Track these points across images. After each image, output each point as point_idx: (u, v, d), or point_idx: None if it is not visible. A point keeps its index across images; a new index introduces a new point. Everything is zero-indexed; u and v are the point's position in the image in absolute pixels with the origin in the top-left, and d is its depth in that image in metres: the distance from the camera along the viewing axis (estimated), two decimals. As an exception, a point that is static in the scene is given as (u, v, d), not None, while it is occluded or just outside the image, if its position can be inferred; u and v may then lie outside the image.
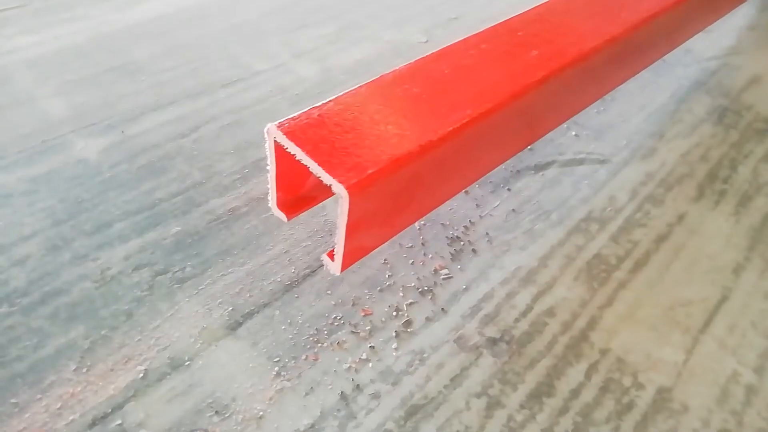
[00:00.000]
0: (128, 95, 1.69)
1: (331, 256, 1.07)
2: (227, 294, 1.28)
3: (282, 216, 1.15)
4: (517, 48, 1.30)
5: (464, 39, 1.31)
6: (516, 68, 1.24)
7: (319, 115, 1.01)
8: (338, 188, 0.90)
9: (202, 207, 1.43)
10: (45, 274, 1.25)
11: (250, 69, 1.86)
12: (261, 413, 1.10)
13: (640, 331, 1.32)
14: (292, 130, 0.97)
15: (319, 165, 0.93)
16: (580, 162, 1.73)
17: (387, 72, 1.16)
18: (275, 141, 0.99)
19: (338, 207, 0.94)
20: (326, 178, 0.92)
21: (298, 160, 1.03)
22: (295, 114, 1.00)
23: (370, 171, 0.94)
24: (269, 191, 1.11)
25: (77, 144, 1.54)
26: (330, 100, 1.05)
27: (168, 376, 1.13)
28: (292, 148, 0.96)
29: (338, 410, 1.12)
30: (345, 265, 1.08)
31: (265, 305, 1.27)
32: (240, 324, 1.23)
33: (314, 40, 2.02)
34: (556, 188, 1.63)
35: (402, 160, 0.98)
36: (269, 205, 1.14)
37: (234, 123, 1.66)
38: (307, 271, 1.34)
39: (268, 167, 1.06)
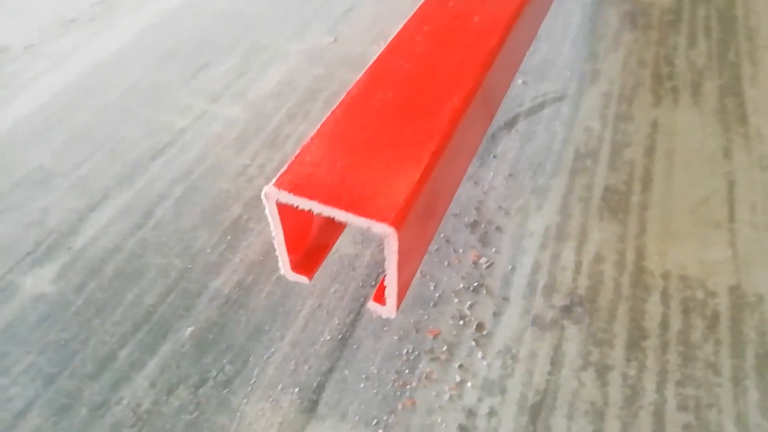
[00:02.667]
0: (52, 207, 1.44)
1: (379, 299, 0.96)
2: (284, 376, 1.12)
3: (302, 279, 1.02)
4: (458, 19, 1.24)
5: (402, 27, 1.23)
6: (470, 40, 1.18)
7: (311, 159, 0.90)
8: (381, 229, 0.81)
9: (204, 295, 1.25)
10: (67, 444, 1.03)
11: (172, 129, 1.65)
12: (392, 486, 0.97)
13: (683, 243, 1.32)
14: (297, 185, 0.86)
15: (348, 212, 0.83)
16: (541, 106, 1.71)
17: (345, 87, 1.08)
18: (278, 203, 0.87)
19: (385, 248, 0.84)
20: (361, 223, 0.82)
21: (303, 215, 0.92)
22: (282, 168, 0.89)
23: (402, 199, 0.84)
24: (280, 258, 0.98)
25: (23, 282, 1.28)
26: (311, 138, 0.94)
27: (273, 494, 0.97)
28: (306, 203, 0.84)
29: (465, 445, 1.02)
30: (398, 305, 0.98)
31: (331, 370, 1.13)
32: (316, 402, 1.08)
33: (221, 77, 1.84)
34: (535, 139, 1.60)
35: (424, 175, 0.89)
36: (282, 272, 1.00)
37: (187, 192, 1.47)
38: (352, 316, 1.21)
39: (273, 233, 0.93)
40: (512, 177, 1.50)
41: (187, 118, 1.69)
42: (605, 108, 1.69)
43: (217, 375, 1.12)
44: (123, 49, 1.97)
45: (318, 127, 0.96)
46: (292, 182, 0.87)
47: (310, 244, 1.06)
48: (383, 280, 0.97)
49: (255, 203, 1.44)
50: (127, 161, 1.55)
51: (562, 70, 1.83)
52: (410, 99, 1.03)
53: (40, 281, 1.28)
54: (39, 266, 1.31)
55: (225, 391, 1.09)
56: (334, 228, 1.10)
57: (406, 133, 0.96)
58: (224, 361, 1.14)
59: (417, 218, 0.92)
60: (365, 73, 1.10)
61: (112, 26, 2.10)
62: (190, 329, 1.19)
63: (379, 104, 1.02)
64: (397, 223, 0.81)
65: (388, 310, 0.96)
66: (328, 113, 1.00)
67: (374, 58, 1.13)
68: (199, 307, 1.23)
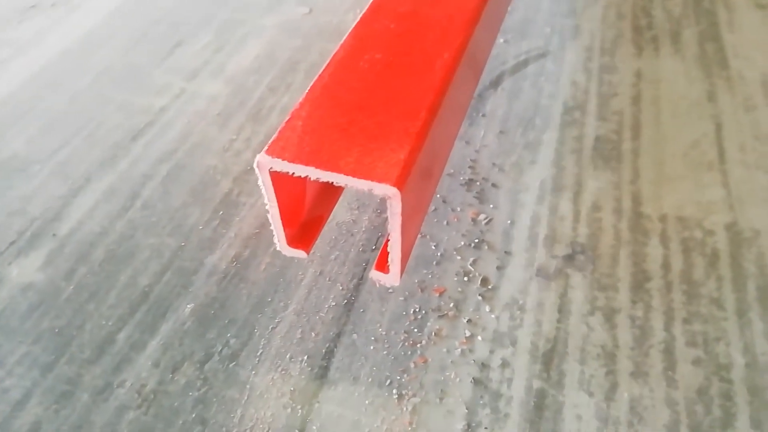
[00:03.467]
0: (32, 194, 1.38)
1: (381, 268, 0.93)
2: (291, 345, 1.09)
3: (299, 253, 0.97)
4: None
5: None
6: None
7: (303, 124, 0.86)
8: (383, 190, 0.78)
9: (200, 272, 1.21)
10: (74, 430, 0.99)
11: (151, 109, 1.60)
12: (412, 443, 0.96)
13: (677, 186, 1.33)
14: (291, 151, 0.82)
15: (348, 175, 0.79)
16: (525, 63, 1.69)
17: (333, 48, 1.03)
18: (272, 171, 0.83)
19: (389, 209, 0.81)
20: (362, 186, 0.79)
21: (296, 186, 0.88)
22: (273, 135, 0.85)
23: (402, 158, 0.81)
24: (275, 232, 0.94)
25: (9, 272, 1.23)
26: (301, 103, 0.90)
27: (292, 461, 0.95)
28: (302, 170, 0.81)
29: (481, 397, 1.01)
30: (402, 271, 0.95)
31: (339, 335, 1.11)
32: (326, 368, 1.06)
33: (198, 55, 1.79)
34: (522, 96, 1.59)
35: (422, 133, 0.86)
36: (278, 248, 0.96)
37: (173, 171, 1.42)
38: (355, 281, 1.19)
39: (267, 206, 0.89)
40: (503, 134, 1.48)
41: (166, 98, 1.64)
42: (588, 61, 1.69)
43: (222, 349, 1.09)
44: (90, 34, 1.90)
45: (306, 91, 0.92)
46: (285, 149, 0.83)
47: (305, 217, 1.02)
48: (384, 247, 0.94)
49: (245, 177, 1.40)
50: (107, 144, 1.50)
51: (542, 26, 1.82)
52: (399, 58, 0.99)
53: (26, 270, 1.23)
54: (24, 255, 1.26)
55: (232, 365, 1.07)
56: (328, 198, 1.07)
57: (398, 92, 0.93)
58: (228, 335, 1.11)
59: (417, 177, 0.89)
60: (350, 34, 1.06)
61: (75, 11, 2.02)
62: (189, 306, 1.16)
63: (367, 65, 0.98)
64: (400, 183, 0.78)
65: (392, 278, 0.93)
66: (311, 83, 0.97)
67: (352, 26, 1.09)
68: (197, 283, 1.20)
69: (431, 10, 1.12)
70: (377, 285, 1.16)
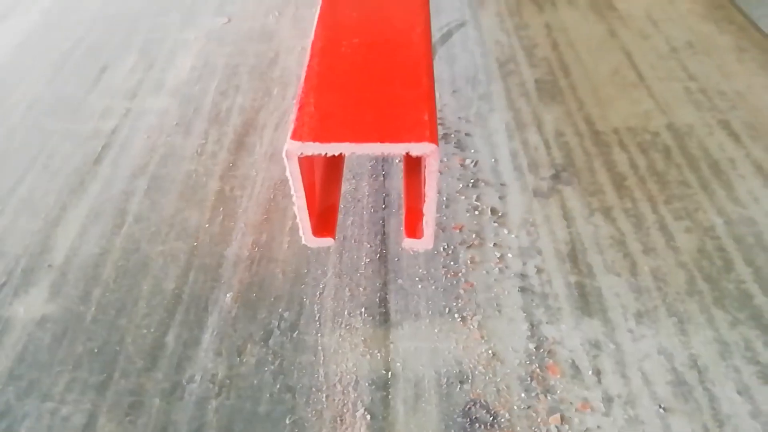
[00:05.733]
0: (5, 234, 1.27)
1: (412, 234, 0.97)
2: (345, 303, 1.12)
3: (326, 241, 0.99)
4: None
5: None
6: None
7: (314, 108, 0.89)
8: (422, 149, 0.82)
9: (225, 264, 1.20)
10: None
11: (101, 132, 1.53)
12: (491, 351, 1.04)
13: (616, 105, 1.54)
14: (319, 132, 0.84)
15: (383, 143, 0.83)
16: (449, 34, 1.85)
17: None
18: (301, 157, 0.84)
19: (426, 171, 0.85)
20: (399, 150, 0.84)
21: (310, 177, 0.89)
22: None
23: (426, 117, 0.87)
24: (300, 224, 0.95)
25: (16, 311, 1.12)
26: (304, 92, 0.93)
27: (391, 397, 0.98)
28: (334, 147, 0.83)
29: (532, 300, 1.11)
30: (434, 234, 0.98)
31: (385, 284, 1.15)
32: (386, 313, 1.11)
33: (129, 76, 1.73)
34: (458, 59, 1.74)
35: (429, 94, 0.93)
36: (304, 241, 0.97)
37: (153, 182, 1.38)
38: (379, 237, 1.25)
39: (294, 198, 0.90)
40: (456, 92, 1.62)
41: (113, 119, 1.57)
42: (502, 23, 1.88)
43: (279, 324, 1.09)
44: (3, 69, 1.76)
45: (302, 82, 0.95)
46: (312, 131, 0.85)
47: (319, 207, 1.04)
48: (408, 214, 0.99)
49: (230, 174, 1.40)
50: (69, 172, 1.42)
51: (451, 2, 1.99)
52: (376, 39, 1.06)
53: (33, 306, 1.13)
54: (24, 293, 1.16)
55: (295, 334, 1.07)
56: (334, 184, 1.10)
57: (390, 66, 0.98)
58: (279, 310, 1.11)
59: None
60: (318, 26, 1.10)
61: (-32, 57, 1.86)
62: (228, 295, 1.14)
63: (350, 50, 1.03)
64: (434, 139, 0.83)
65: (426, 241, 0.95)
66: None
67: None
68: (226, 274, 1.18)
69: None
70: (411, 252, 1.20)
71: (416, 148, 0.82)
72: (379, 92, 0.93)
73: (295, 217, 1.15)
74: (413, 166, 1.13)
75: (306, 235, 0.97)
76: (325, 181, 1.11)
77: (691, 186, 1.31)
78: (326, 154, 0.84)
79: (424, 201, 0.90)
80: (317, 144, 0.83)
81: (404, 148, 0.83)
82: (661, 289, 1.12)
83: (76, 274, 1.19)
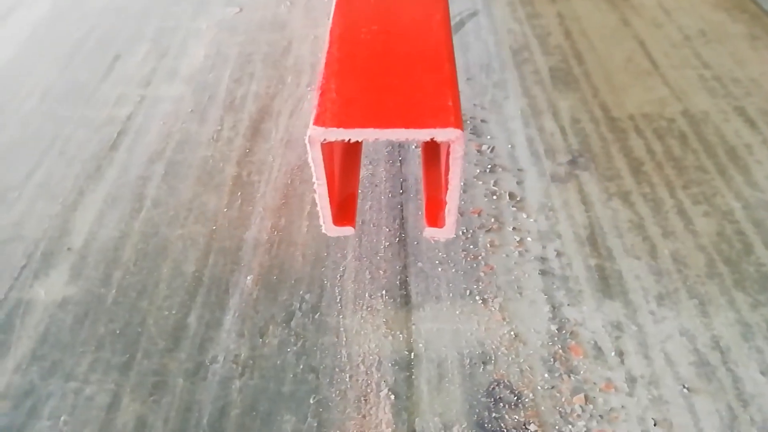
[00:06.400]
0: (23, 219, 1.26)
1: (433, 223, 0.96)
2: (366, 285, 1.12)
3: (346, 230, 0.98)
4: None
5: None
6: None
7: (337, 95, 0.88)
8: (447, 134, 0.81)
9: (245, 247, 1.20)
10: (184, 413, 0.94)
11: (117, 119, 1.53)
12: (513, 332, 1.04)
13: (631, 92, 1.54)
14: (343, 118, 0.83)
15: (408, 128, 0.82)
16: (462, 23, 1.85)
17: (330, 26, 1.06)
18: (323, 143, 0.83)
19: (450, 157, 0.83)
20: (424, 135, 0.82)
21: (330, 166, 0.87)
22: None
23: (450, 103, 0.86)
24: (321, 213, 0.95)
25: (36, 293, 1.13)
26: (325, 78, 0.91)
27: (414, 378, 0.98)
28: (358, 133, 0.82)
29: (553, 283, 1.12)
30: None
31: (405, 266, 1.16)
32: (407, 295, 1.11)
33: (142, 64, 1.73)
34: (472, 48, 1.74)
35: (452, 79, 0.92)
36: (324, 230, 0.97)
37: (170, 168, 1.38)
38: (398, 221, 1.25)
39: (315, 185, 0.89)
40: (471, 80, 1.62)
41: (128, 107, 1.57)
42: (515, 12, 1.88)
43: (301, 305, 1.09)
44: (16, 59, 1.76)
45: (322, 68, 0.94)
46: (335, 117, 0.83)
47: (339, 196, 1.03)
48: (428, 202, 0.98)
49: (248, 159, 1.40)
50: (85, 158, 1.42)
51: (463, -8, 2.00)
52: (394, 26, 1.04)
53: (54, 288, 1.14)
54: (44, 275, 1.16)
55: (317, 316, 1.08)
56: (352, 173, 1.09)
57: (410, 52, 0.97)
58: (301, 292, 1.12)
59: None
60: (335, 13, 1.09)
61: (-20, 46, 1.86)
62: (249, 278, 1.14)
63: (369, 36, 1.02)
64: (459, 125, 0.82)
65: (448, 230, 0.94)
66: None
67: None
68: (246, 257, 1.18)
69: None
70: (433, 241, 1.19)
71: (441, 134, 0.81)
72: (400, 78, 0.91)
73: (313, 201, 1.17)
74: (432, 154, 1.12)
75: (326, 224, 0.97)
76: (344, 169, 1.10)
77: (708, 171, 1.31)
78: (349, 140, 0.83)
79: (447, 189, 0.89)
80: (341, 130, 0.82)
81: (429, 133, 0.82)
82: (681, 272, 1.12)
83: (95, 257, 1.19)
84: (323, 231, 0.98)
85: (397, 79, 0.91)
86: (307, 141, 0.83)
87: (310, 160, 0.85)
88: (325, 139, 0.82)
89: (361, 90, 0.89)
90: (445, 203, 0.91)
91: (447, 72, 0.93)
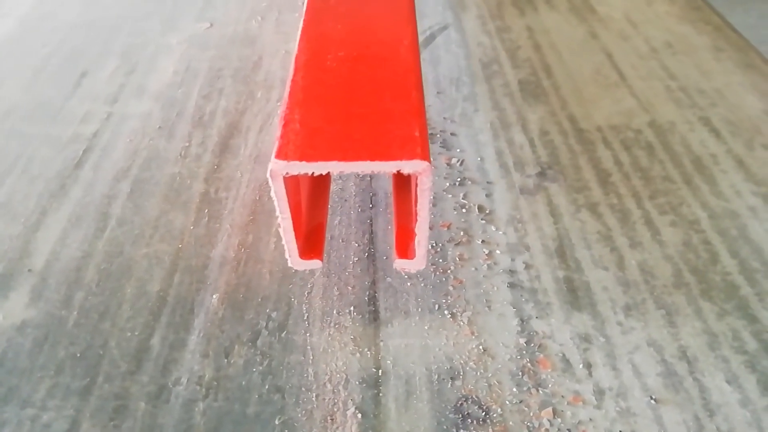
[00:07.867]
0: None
1: (404, 255, 0.94)
2: (333, 302, 1.11)
3: (314, 264, 0.97)
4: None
5: None
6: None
7: (301, 126, 0.86)
8: (414, 166, 0.79)
9: (210, 265, 1.18)
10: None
11: (82, 137, 1.50)
12: (481, 347, 1.03)
13: (599, 104, 1.56)
14: (305, 151, 0.80)
15: (374, 160, 0.79)
16: (433, 37, 1.86)
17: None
18: (286, 177, 0.80)
19: (418, 189, 0.82)
20: (389, 168, 0.80)
21: (296, 197, 0.85)
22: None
23: (417, 133, 0.84)
24: (286, 247, 0.92)
25: (-8, 317, 1.10)
26: (288, 108, 0.89)
27: (382, 395, 0.97)
28: (321, 167, 0.79)
29: (521, 296, 1.11)
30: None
31: (374, 282, 1.15)
32: (375, 311, 1.10)
33: (110, 80, 1.71)
34: (442, 61, 1.75)
35: (419, 107, 0.90)
36: (290, 264, 0.96)
37: (136, 185, 1.36)
38: (367, 236, 1.24)
39: (279, 219, 0.87)
40: (441, 93, 1.62)
41: (94, 124, 1.55)
42: (485, 26, 1.90)
43: (267, 324, 1.08)
44: (-25, 80, 1.74)
45: (286, 97, 0.93)
46: (298, 150, 0.81)
47: (306, 228, 1.01)
48: (398, 233, 0.97)
49: (216, 175, 1.38)
50: (49, 176, 1.39)
51: (434, 6, 2.01)
52: (362, 51, 1.03)
53: (13, 311, 1.11)
54: (3, 298, 1.13)
55: (283, 334, 1.06)
56: (320, 202, 1.08)
57: (377, 80, 0.95)
58: (267, 310, 1.10)
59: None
60: (301, 38, 1.08)
61: (-57, 64, 1.82)
62: (215, 296, 1.12)
63: (335, 63, 1.00)
64: (426, 156, 0.80)
65: (418, 261, 0.93)
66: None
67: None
68: (212, 276, 1.16)
69: (368, 5, 1.18)
70: (404, 274, 1.16)
71: (408, 166, 0.79)
72: (367, 107, 0.90)
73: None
74: (403, 181, 1.11)
75: (292, 258, 0.94)
76: (311, 198, 1.08)
77: (674, 181, 1.33)
78: (313, 173, 0.80)
79: (416, 220, 0.87)
80: (303, 163, 0.79)
81: (395, 165, 0.80)
82: (648, 282, 1.12)
83: (57, 279, 1.16)
84: (289, 265, 0.96)
85: (363, 108, 0.89)
86: (268, 175, 0.80)
87: (272, 193, 0.83)
88: (287, 173, 0.80)
89: (326, 120, 0.87)
90: (415, 234, 0.89)
91: (414, 100, 0.91)
